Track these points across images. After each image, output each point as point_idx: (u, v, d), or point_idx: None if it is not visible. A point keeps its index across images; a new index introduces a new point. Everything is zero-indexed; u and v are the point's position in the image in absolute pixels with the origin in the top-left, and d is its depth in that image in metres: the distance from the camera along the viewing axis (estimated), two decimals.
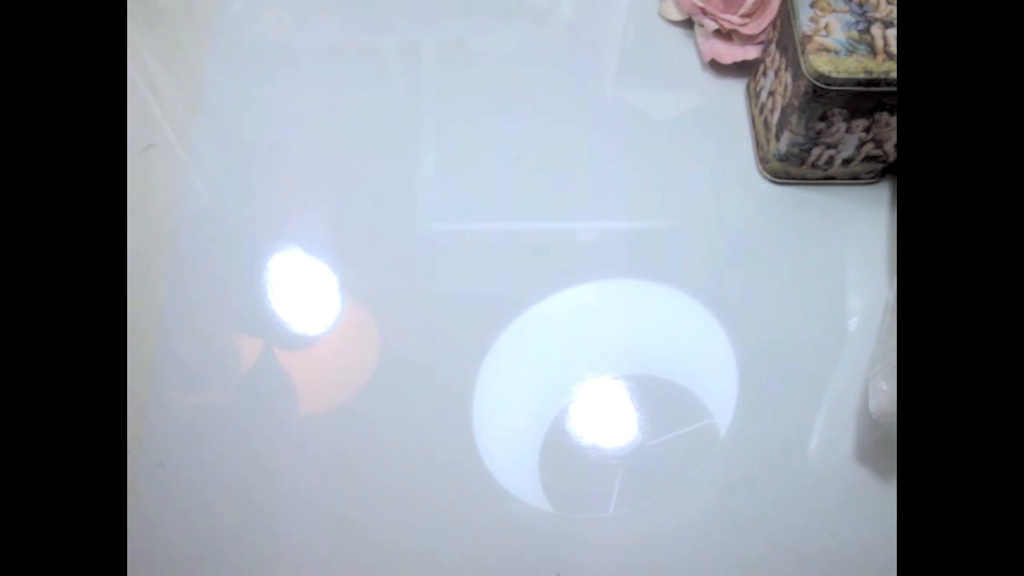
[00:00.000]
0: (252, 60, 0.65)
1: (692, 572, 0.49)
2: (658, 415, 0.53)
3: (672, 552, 0.49)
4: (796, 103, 0.53)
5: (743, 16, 0.61)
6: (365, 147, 0.61)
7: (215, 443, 0.52)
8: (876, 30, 0.51)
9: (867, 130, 0.54)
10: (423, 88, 0.64)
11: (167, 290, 0.56)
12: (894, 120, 0.53)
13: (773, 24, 0.59)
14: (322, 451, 0.51)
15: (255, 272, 0.57)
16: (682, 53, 0.66)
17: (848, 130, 0.54)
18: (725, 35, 0.63)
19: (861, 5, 0.52)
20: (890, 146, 0.56)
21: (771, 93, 0.58)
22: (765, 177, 0.60)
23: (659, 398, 0.53)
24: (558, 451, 0.52)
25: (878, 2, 0.52)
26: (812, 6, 0.52)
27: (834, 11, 0.52)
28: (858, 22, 0.52)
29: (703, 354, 0.55)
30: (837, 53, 0.50)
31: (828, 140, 0.55)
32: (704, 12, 0.63)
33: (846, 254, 0.58)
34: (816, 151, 0.57)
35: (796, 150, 0.57)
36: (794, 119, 0.54)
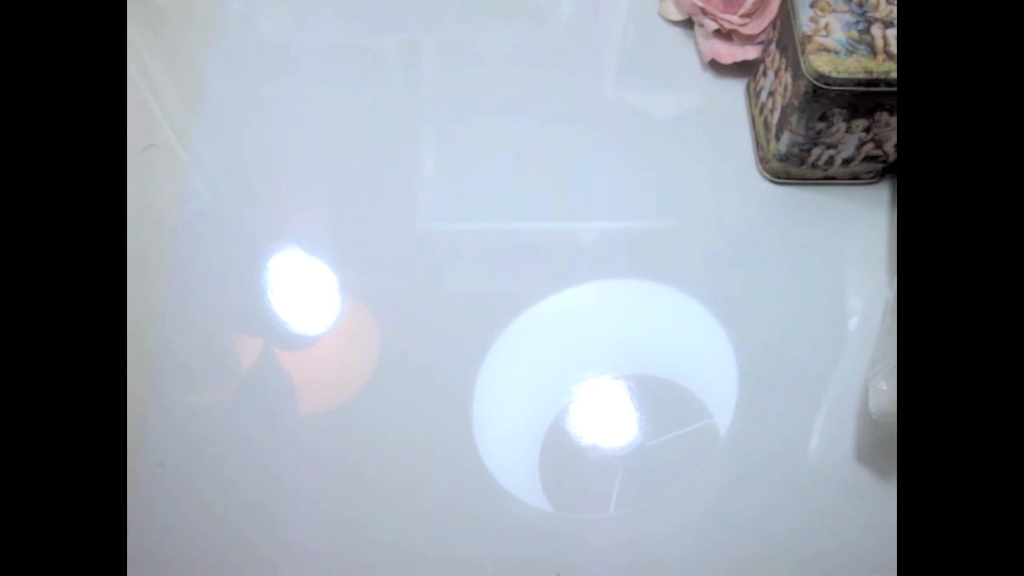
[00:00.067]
0: (252, 60, 0.65)
1: (692, 572, 0.49)
2: (658, 415, 0.53)
3: (672, 552, 0.49)
4: (796, 103, 0.53)
5: (743, 16, 0.61)
6: (365, 147, 0.61)
7: (215, 443, 0.52)
8: (876, 30, 0.51)
9: (867, 130, 0.54)
10: (423, 88, 0.64)
11: (167, 290, 0.56)
12: (894, 120, 0.53)
13: (773, 24, 0.59)
14: (322, 451, 0.51)
15: (255, 272, 0.57)
16: (682, 53, 0.66)
17: (848, 130, 0.54)
18: (725, 35, 0.63)
19: (861, 5, 0.52)
20: (890, 146, 0.56)
21: (771, 93, 0.58)
22: (765, 177, 0.60)
23: (659, 398, 0.53)
24: (558, 451, 0.52)
25: (878, 2, 0.52)
26: (812, 6, 0.52)
27: (834, 11, 0.52)
28: (858, 22, 0.52)
29: (703, 354, 0.55)
30: (837, 53, 0.50)
31: (828, 140, 0.55)
32: (704, 12, 0.63)
33: (846, 254, 0.58)
34: (816, 151, 0.57)
35: (796, 150, 0.57)
36: (794, 119, 0.54)
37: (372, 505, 0.50)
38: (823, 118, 0.53)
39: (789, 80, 0.54)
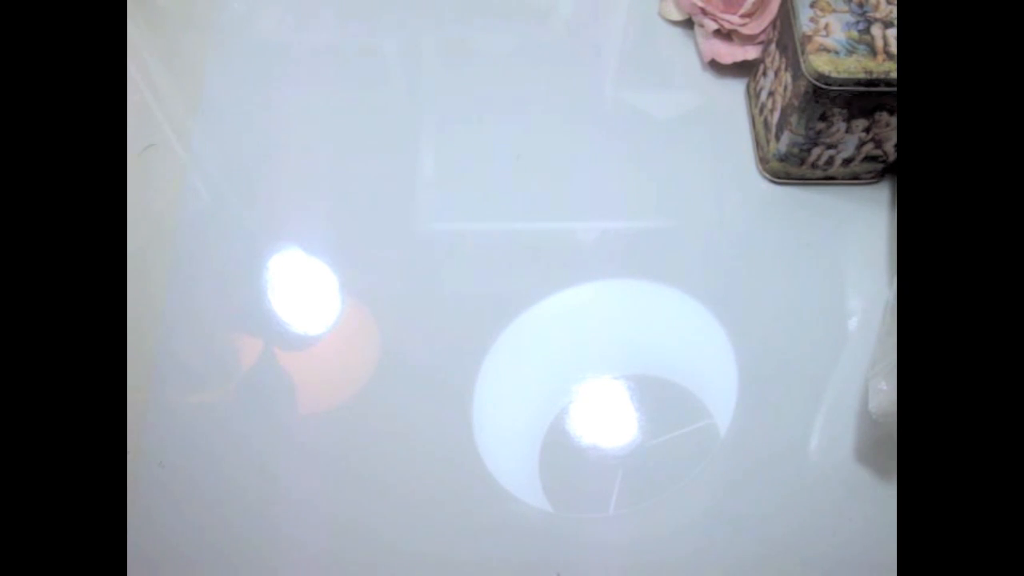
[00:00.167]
0: (252, 60, 0.65)
1: (692, 572, 0.49)
2: (658, 415, 0.53)
3: (672, 552, 0.49)
4: (796, 103, 0.53)
5: (743, 16, 0.61)
6: (365, 147, 0.61)
7: (215, 443, 0.52)
8: (876, 30, 0.51)
9: (867, 130, 0.54)
10: (423, 88, 0.64)
11: (167, 290, 0.56)
12: (894, 120, 0.53)
13: (773, 24, 0.59)
14: (322, 451, 0.51)
15: (255, 272, 0.57)
16: (682, 53, 0.66)
17: (848, 130, 0.54)
18: (725, 35, 0.63)
19: (861, 5, 0.52)
20: (890, 146, 0.56)
21: (771, 93, 0.58)
22: (765, 177, 0.60)
23: (659, 398, 0.53)
24: (558, 451, 0.52)
25: (878, 2, 0.52)
26: (812, 6, 0.52)
27: (834, 11, 0.52)
28: (858, 22, 0.52)
29: (703, 354, 0.55)
30: (837, 53, 0.50)
31: (828, 140, 0.55)
32: (704, 12, 0.63)
33: (846, 254, 0.58)
34: (816, 151, 0.57)
35: (796, 150, 0.57)
36: (794, 119, 0.54)
37: (372, 505, 0.50)
38: (823, 118, 0.53)
39: (789, 80, 0.54)
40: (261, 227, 0.59)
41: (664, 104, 0.64)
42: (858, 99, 0.51)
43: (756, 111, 0.61)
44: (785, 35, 0.54)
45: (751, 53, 0.62)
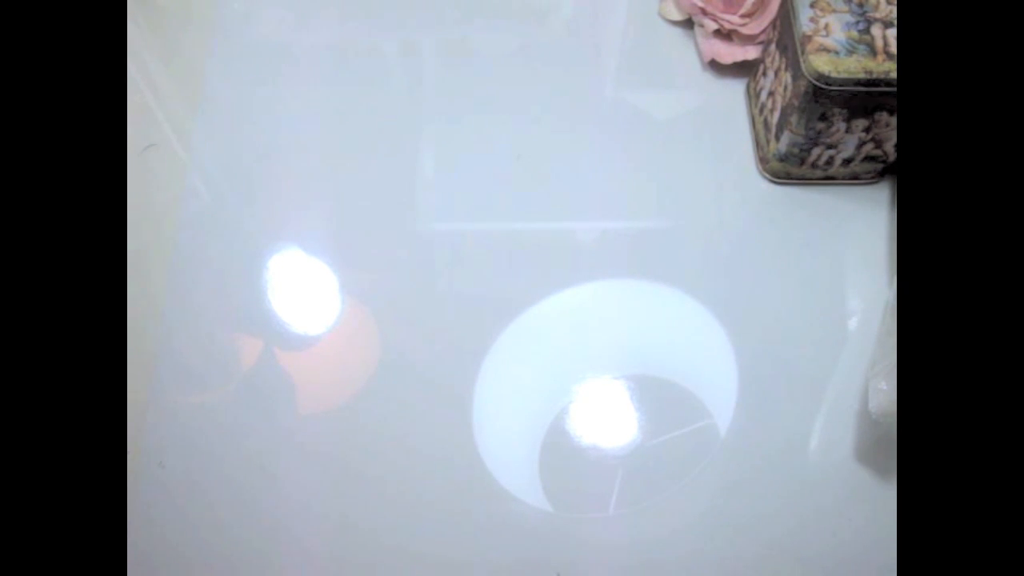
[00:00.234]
0: (252, 60, 0.65)
1: (692, 572, 0.49)
2: (658, 415, 0.53)
3: (672, 552, 0.49)
4: (796, 103, 0.53)
5: (743, 16, 0.61)
6: (365, 147, 0.61)
7: (215, 443, 0.52)
8: (876, 30, 0.51)
9: (867, 130, 0.54)
10: (423, 88, 0.64)
11: (167, 290, 0.56)
12: (894, 120, 0.53)
13: (773, 24, 0.59)
14: (322, 451, 0.51)
15: (255, 272, 0.57)
16: (682, 53, 0.66)
17: (848, 130, 0.54)
18: (725, 35, 0.63)
19: (861, 5, 0.52)
20: (890, 146, 0.56)
21: (771, 93, 0.58)
22: (765, 177, 0.60)
23: (659, 398, 0.53)
24: (558, 451, 0.52)
25: (878, 2, 0.52)
26: (812, 6, 0.52)
27: (834, 11, 0.52)
28: (858, 22, 0.52)
29: (703, 354, 0.55)
30: (837, 53, 0.50)
31: (828, 140, 0.55)
32: (704, 12, 0.63)
33: (846, 254, 0.58)
34: (816, 151, 0.57)
35: (796, 150, 0.57)
36: (794, 119, 0.54)
37: (372, 505, 0.50)
38: (823, 118, 0.53)
39: (789, 80, 0.54)
40: (261, 227, 0.59)
41: (664, 104, 0.64)
42: (858, 99, 0.51)
43: (756, 111, 0.61)
44: (785, 35, 0.54)
45: (751, 53, 0.62)
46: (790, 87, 0.54)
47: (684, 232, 0.58)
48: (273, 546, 0.49)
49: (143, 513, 0.50)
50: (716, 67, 0.64)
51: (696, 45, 0.65)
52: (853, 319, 0.56)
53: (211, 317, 0.55)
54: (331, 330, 0.55)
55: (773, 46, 0.57)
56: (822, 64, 0.50)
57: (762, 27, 0.61)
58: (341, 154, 0.61)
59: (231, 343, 0.55)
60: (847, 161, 0.58)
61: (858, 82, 0.50)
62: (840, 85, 0.50)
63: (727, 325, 0.55)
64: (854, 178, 0.60)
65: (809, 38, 0.51)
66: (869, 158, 0.57)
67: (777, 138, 0.57)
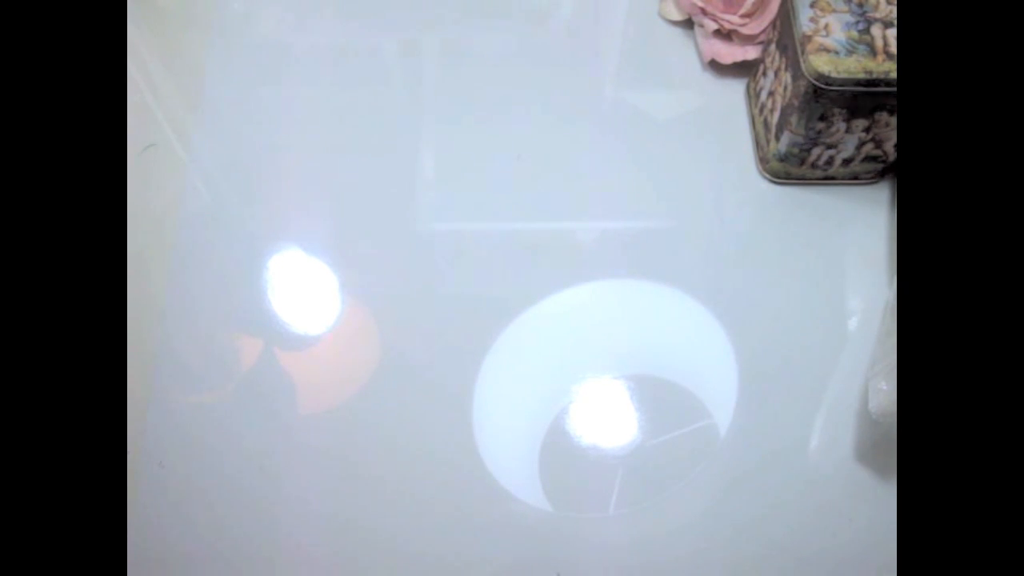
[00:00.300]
0: (252, 60, 0.65)
1: (692, 572, 0.49)
2: (658, 415, 0.53)
3: (672, 552, 0.49)
4: (796, 103, 0.53)
5: (743, 16, 0.61)
6: (365, 147, 0.62)
7: (215, 443, 0.52)
8: (876, 30, 0.51)
9: (867, 130, 0.54)
10: (423, 88, 0.64)
11: (167, 290, 0.56)
12: (894, 120, 0.53)
13: (773, 24, 0.59)
14: (322, 451, 0.51)
15: (255, 272, 0.57)
16: (682, 53, 0.66)
17: (848, 130, 0.54)
18: (725, 35, 0.63)
19: (861, 5, 0.52)
20: (890, 146, 0.56)
21: (771, 93, 0.58)
22: (765, 177, 0.60)
23: (659, 398, 0.53)
24: (558, 451, 0.52)
25: (878, 2, 0.52)
26: (812, 6, 0.52)
27: (834, 11, 0.52)
28: (858, 22, 0.52)
29: (703, 354, 0.55)
30: (837, 53, 0.50)
31: (828, 140, 0.55)
32: (704, 12, 0.63)
33: (846, 254, 0.58)
34: (816, 151, 0.57)
35: (796, 150, 0.57)
36: (794, 119, 0.54)
37: (372, 505, 0.50)
38: (823, 118, 0.53)
39: (789, 80, 0.54)
40: (261, 227, 0.59)
41: (664, 104, 0.64)
42: (858, 99, 0.51)
43: (756, 111, 0.61)
44: (785, 35, 0.54)
45: (751, 53, 0.62)
46: (790, 87, 0.54)
47: (684, 232, 0.58)
48: (273, 546, 0.49)
49: (143, 513, 0.50)
50: (716, 67, 0.64)
51: (696, 45, 0.65)
52: (853, 319, 0.56)
53: (211, 317, 0.55)
54: (331, 330, 0.55)
55: (773, 46, 0.57)
56: (822, 64, 0.50)
57: (762, 27, 0.61)
58: (341, 154, 0.61)
59: (231, 343, 0.55)
60: (847, 161, 0.58)
61: (858, 82, 0.50)
62: (840, 85, 0.50)
63: (727, 325, 0.55)
64: (854, 178, 0.60)
65: (809, 38, 0.51)
66: (869, 158, 0.57)
67: (777, 138, 0.57)
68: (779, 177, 0.60)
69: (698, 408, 0.53)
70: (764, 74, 0.59)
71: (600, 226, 0.59)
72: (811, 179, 0.60)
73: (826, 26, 0.51)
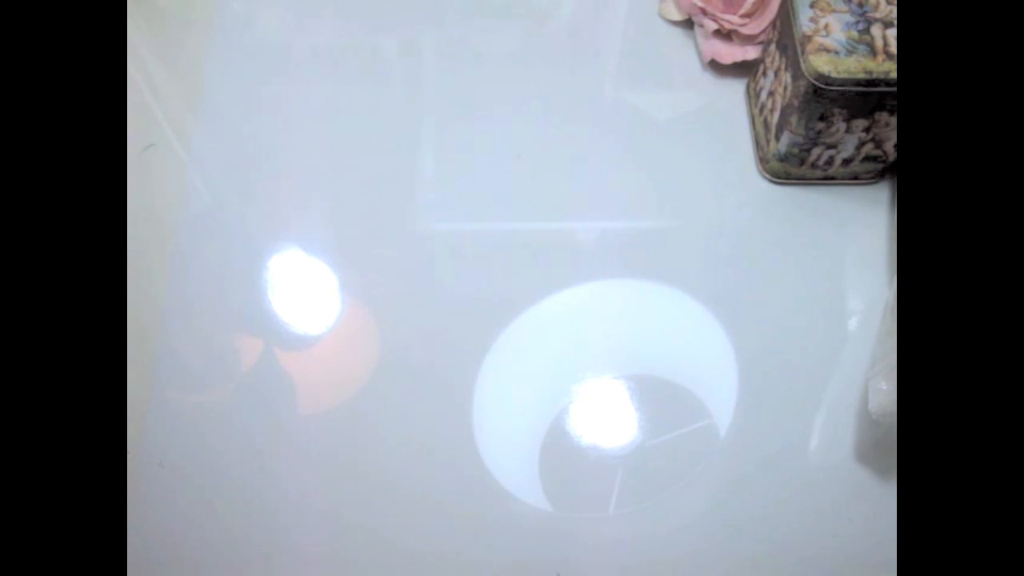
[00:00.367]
0: (252, 60, 0.65)
1: (692, 572, 0.49)
2: (658, 415, 0.53)
3: (672, 552, 0.49)
4: (796, 103, 0.53)
5: (743, 16, 0.61)
6: (365, 147, 0.62)
7: (215, 443, 0.52)
8: (876, 30, 0.51)
9: (867, 130, 0.54)
10: (423, 88, 0.64)
11: (167, 290, 0.56)
12: (894, 120, 0.53)
13: (773, 24, 0.59)
14: (322, 451, 0.51)
15: (255, 272, 0.57)
16: (682, 53, 0.66)
17: (848, 130, 0.54)
18: (725, 35, 0.63)
19: (861, 5, 0.52)
20: (890, 146, 0.56)
21: (771, 93, 0.58)
22: (765, 177, 0.60)
23: (659, 398, 0.53)
24: (558, 451, 0.52)
25: (878, 2, 0.52)
26: (812, 6, 0.52)
27: (834, 11, 0.52)
28: (858, 22, 0.52)
29: (703, 354, 0.55)
30: (837, 53, 0.50)
31: (828, 140, 0.55)
32: (704, 12, 0.63)
33: (846, 254, 0.58)
34: (816, 151, 0.57)
35: (796, 150, 0.57)
36: (794, 119, 0.54)
37: (372, 505, 0.50)
38: (823, 118, 0.53)
39: (789, 80, 0.54)
40: (261, 227, 0.59)
41: (664, 104, 0.64)
42: (858, 99, 0.51)
43: (756, 111, 0.61)
44: (785, 35, 0.54)
45: (751, 53, 0.62)
46: (790, 87, 0.54)
47: (684, 232, 0.58)
48: (273, 546, 0.49)
49: (143, 513, 0.50)
50: (716, 67, 0.64)
51: (696, 45, 0.65)
52: (853, 319, 0.56)
53: (211, 317, 0.55)
54: (331, 330, 0.55)
55: (773, 46, 0.57)
56: (822, 64, 0.50)
57: (762, 27, 0.61)
58: (341, 154, 0.61)
59: (231, 343, 0.55)
60: (847, 161, 0.58)
61: (858, 82, 0.50)
62: (840, 85, 0.50)
63: (727, 325, 0.55)
64: (854, 178, 0.60)
65: (809, 38, 0.51)
66: (869, 158, 0.57)
67: (777, 138, 0.57)
68: (779, 177, 0.60)
69: (698, 408, 0.53)
70: (764, 74, 0.59)
71: (600, 226, 0.59)
72: (811, 179, 0.60)
73: (826, 26, 0.51)
